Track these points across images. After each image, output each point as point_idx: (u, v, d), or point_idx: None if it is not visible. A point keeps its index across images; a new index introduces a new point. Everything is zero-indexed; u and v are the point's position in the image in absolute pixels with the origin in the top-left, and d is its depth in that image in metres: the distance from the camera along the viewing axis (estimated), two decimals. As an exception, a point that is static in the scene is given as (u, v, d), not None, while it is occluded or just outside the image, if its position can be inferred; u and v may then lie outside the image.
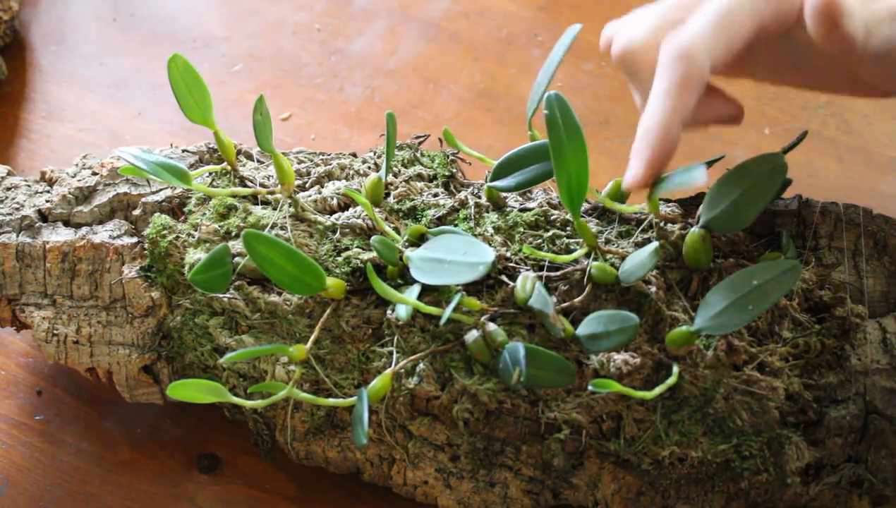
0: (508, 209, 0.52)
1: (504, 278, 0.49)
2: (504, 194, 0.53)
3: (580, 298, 0.48)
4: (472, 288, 0.49)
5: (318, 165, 0.56)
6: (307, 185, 0.55)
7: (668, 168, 0.45)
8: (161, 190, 0.55)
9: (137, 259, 0.53)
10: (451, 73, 0.79)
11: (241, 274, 0.51)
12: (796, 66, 0.49)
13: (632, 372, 0.46)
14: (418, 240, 0.50)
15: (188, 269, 0.51)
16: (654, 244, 0.46)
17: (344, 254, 0.50)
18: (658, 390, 0.45)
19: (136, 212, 0.54)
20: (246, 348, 0.50)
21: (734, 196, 0.46)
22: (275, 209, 0.52)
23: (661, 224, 0.50)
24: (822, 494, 0.48)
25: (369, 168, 0.56)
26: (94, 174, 0.56)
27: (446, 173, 0.56)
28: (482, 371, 0.47)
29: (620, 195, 0.51)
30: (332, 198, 0.53)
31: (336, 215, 0.52)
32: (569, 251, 0.50)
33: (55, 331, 0.53)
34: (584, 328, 0.46)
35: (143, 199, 0.54)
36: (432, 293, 0.49)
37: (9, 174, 0.58)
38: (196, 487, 0.56)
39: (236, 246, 0.51)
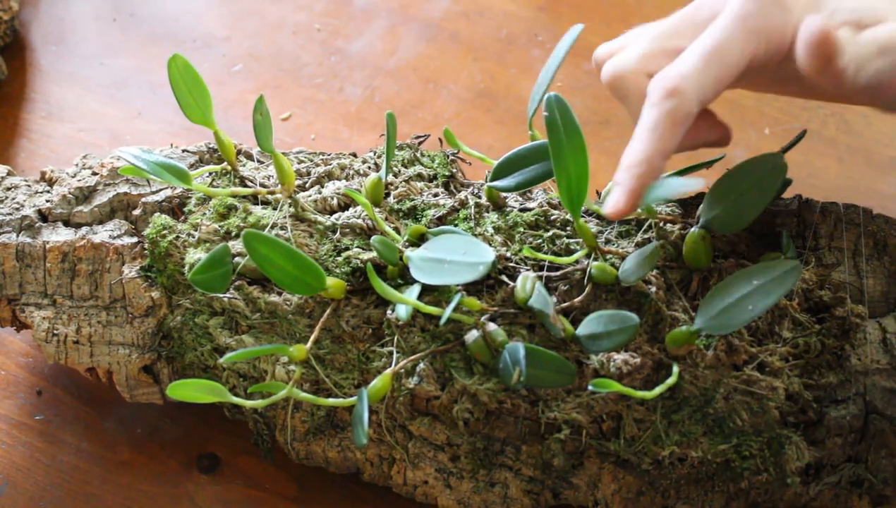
0: (508, 209, 0.52)
1: (504, 278, 0.49)
2: (504, 194, 0.53)
3: (580, 298, 0.48)
4: (472, 288, 0.49)
5: (318, 165, 0.56)
6: (307, 185, 0.55)
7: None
8: (161, 190, 0.55)
9: (137, 259, 0.53)
10: (451, 73, 0.79)
11: (241, 274, 0.51)
12: (785, 84, 0.49)
13: (632, 372, 0.46)
14: (418, 240, 0.50)
15: (188, 269, 0.51)
16: (654, 244, 0.46)
17: (344, 254, 0.50)
18: (658, 390, 0.45)
19: (136, 211, 0.54)
20: (246, 348, 0.50)
21: (734, 196, 0.46)
22: (275, 209, 0.52)
23: (661, 224, 0.50)
24: (822, 494, 0.48)
25: (369, 168, 0.56)
26: (94, 174, 0.56)
27: (446, 173, 0.56)
28: (482, 371, 0.47)
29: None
30: (332, 198, 0.53)
31: (336, 215, 0.52)
32: (569, 251, 0.50)
33: (55, 331, 0.53)
34: (584, 328, 0.46)
35: (143, 199, 0.54)
36: (432, 293, 0.49)
37: (9, 174, 0.58)
38: (196, 487, 0.56)
39: (236, 246, 0.51)
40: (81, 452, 0.57)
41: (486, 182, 0.52)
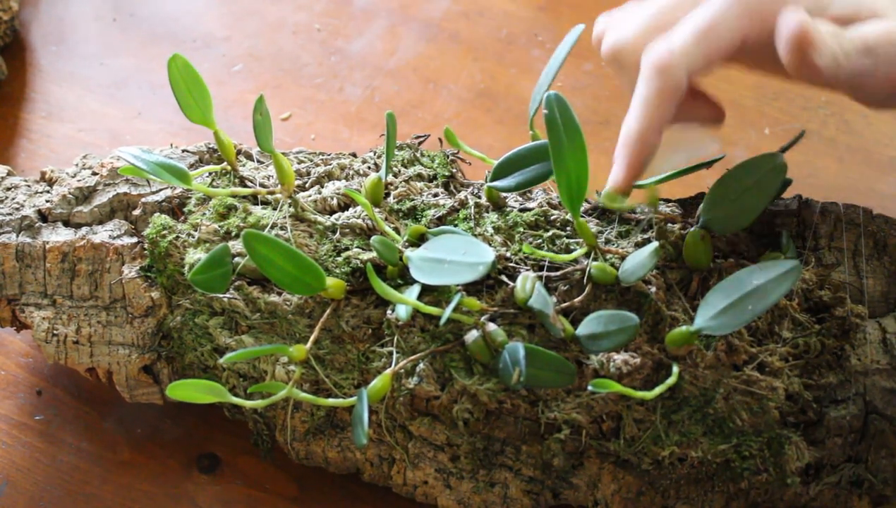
0: (508, 209, 0.52)
1: (504, 278, 0.49)
2: (504, 194, 0.53)
3: (580, 298, 0.48)
4: (472, 288, 0.49)
5: (318, 165, 0.56)
6: (307, 185, 0.55)
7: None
8: (161, 190, 0.55)
9: (137, 259, 0.53)
10: (451, 73, 0.79)
11: (241, 274, 0.51)
12: (781, 66, 0.49)
13: (632, 372, 0.46)
14: (418, 240, 0.50)
15: (188, 269, 0.51)
16: (654, 244, 0.46)
17: (344, 254, 0.50)
18: (658, 390, 0.45)
19: (136, 212, 0.54)
20: (246, 348, 0.50)
21: (734, 196, 0.46)
22: (275, 209, 0.52)
23: (661, 224, 0.50)
24: (822, 494, 0.48)
25: (369, 168, 0.56)
26: (94, 174, 0.56)
27: (446, 173, 0.56)
28: (482, 371, 0.47)
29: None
30: (332, 198, 0.53)
31: (336, 215, 0.52)
32: (569, 251, 0.50)
33: (55, 331, 0.53)
34: (584, 328, 0.46)
35: (143, 199, 0.55)
36: (432, 293, 0.49)
37: (9, 174, 0.58)
38: (196, 487, 0.56)
39: (236, 246, 0.51)
40: (81, 452, 0.57)
41: (486, 182, 0.52)
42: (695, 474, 0.48)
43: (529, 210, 0.52)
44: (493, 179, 0.51)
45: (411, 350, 0.48)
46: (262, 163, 0.57)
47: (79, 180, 0.56)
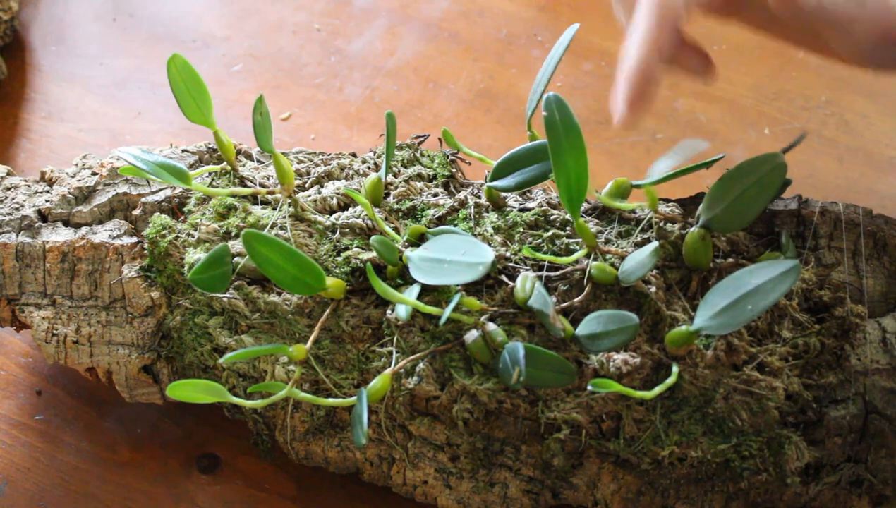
0: (508, 209, 0.52)
1: (504, 278, 0.49)
2: (504, 194, 0.53)
3: (580, 298, 0.48)
4: (471, 288, 0.49)
5: (317, 165, 0.56)
6: (307, 185, 0.55)
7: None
8: (161, 190, 0.55)
9: (137, 259, 0.53)
10: (451, 73, 0.79)
11: (240, 274, 0.51)
12: (776, 24, 0.50)
13: (631, 372, 0.46)
14: (418, 240, 0.50)
15: (188, 269, 0.51)
16: (654, 244, 0.46)
17: (344, 254, 0.50)
18: (657, 390, 0.45)
19: (136, 211, 0.54)
20: (246, 348, 0.50)
21: (734, 196, 0.46)
22: (275, 209, 0.52)
23: (661, 224, 0.50)
24: (821, 494, 0.48)
25: (369, 168, 0.56)
26: (94, 174, 0.56)
27: (446, 173, 0.56)
28: (482, 371, 0.47)
29: (620, 195, 0.50)
30: (331, 198, 0.53)
31: (336, 215, 0.52)
32: (569, 251, 0.50)
33: (55, 331, 0.53)
34: (584, 328, 0.46)
35: (143, 199, 0.55)
36: (432, 293, 0.49)
37: (9, 174, 0.58)
38: (196, 487, 0.56)
39: (236, 246, 0.51)
40: (81, 452, 0.57)
41: (486, 182, 0.52)
42: (694, 474, 0.48)
43: (529, 210, 0.52)
44: (492, 179, 0.51)
45: (411, 350, 0.48)
46: (261, 163, 0.57)
47: (79, 180, 0.56)
